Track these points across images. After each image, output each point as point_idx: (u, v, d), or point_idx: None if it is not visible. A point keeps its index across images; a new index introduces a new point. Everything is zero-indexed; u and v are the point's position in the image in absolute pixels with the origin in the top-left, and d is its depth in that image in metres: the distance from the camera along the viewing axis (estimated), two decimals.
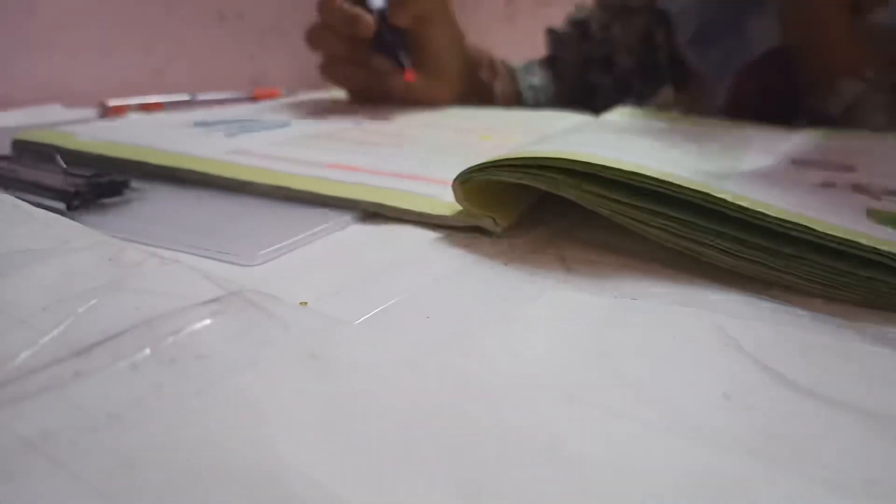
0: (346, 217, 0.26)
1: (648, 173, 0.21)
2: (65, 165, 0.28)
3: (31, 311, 0.15)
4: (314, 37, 0.50)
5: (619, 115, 0.43)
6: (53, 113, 0.48)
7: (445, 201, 0.26)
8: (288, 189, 0.27)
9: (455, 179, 0.24)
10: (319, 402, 0.13)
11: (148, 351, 0.14)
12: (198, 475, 0.11)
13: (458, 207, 0.25)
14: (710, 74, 0.57)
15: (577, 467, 0.12)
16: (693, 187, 0.21)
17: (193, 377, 0.13)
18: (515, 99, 0.64)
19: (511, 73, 0.64)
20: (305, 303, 0.19)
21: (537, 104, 0.64)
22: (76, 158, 0.30)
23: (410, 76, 0.48)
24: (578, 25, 0.65)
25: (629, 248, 0.23)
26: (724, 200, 0.20)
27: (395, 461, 0.12)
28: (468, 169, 0.23)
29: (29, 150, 0.32)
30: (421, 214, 0.25)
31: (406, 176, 0.29)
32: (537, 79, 0.65)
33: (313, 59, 0.51)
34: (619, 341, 0.17)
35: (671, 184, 0.21)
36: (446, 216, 0.25)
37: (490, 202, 0.24)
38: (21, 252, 0.18)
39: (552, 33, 0.67)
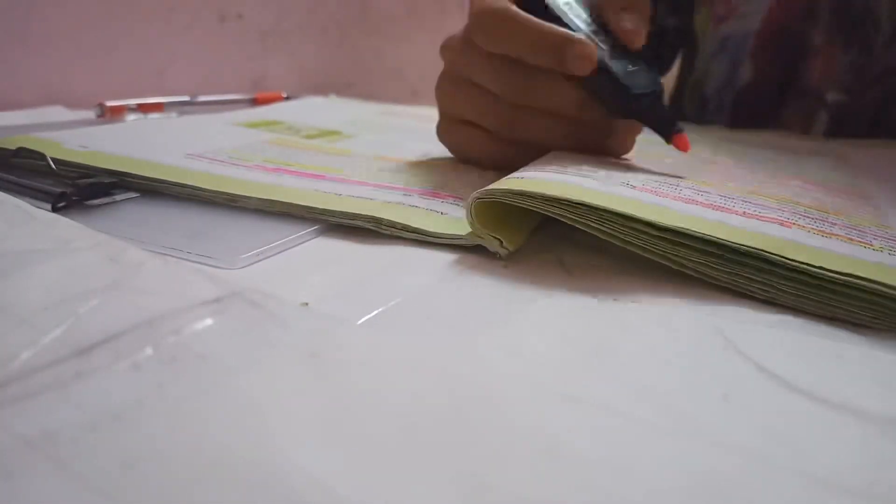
0: (328, 224, 0.25)
1: (650, 218, 0.21)
2: (54, 166, 0.28)
3: (32, 310, 0.15)
4: (499, 78, 0.31)
5: None
6: (55, 114, 0.48)
7: (448, 218, 0.25)
8: (281, 203, 0.26)
9: (469, 200, 0.23)
10: (320, 402, 0.13)
11: (149, 351, 0.14)
12: (199, 474, 0.11)
13: (454, 225, 0.24)
14: None
15: (576, 467, 0.12)
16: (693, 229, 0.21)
17: (194, 377, 0.13)
18: None
19: None
20: (307, 303, 0.19)
21: None
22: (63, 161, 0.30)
23: (685, 142, 0.29)
24: None
25: (629, 253, 0.23)
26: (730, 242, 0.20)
27: (395, 460, 0.12)
28: (482, 191, 0.23)
29: (20, 152, 0.31)
30: (420, 232, 0.24)
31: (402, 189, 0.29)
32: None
33: (314, 61, 0.50)
34: (619, 343, 0.17)
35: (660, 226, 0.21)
36: (446, 235, 0.24)
37: (496, 221, 0.23)
38: (22, 252, 0.18)
39: None
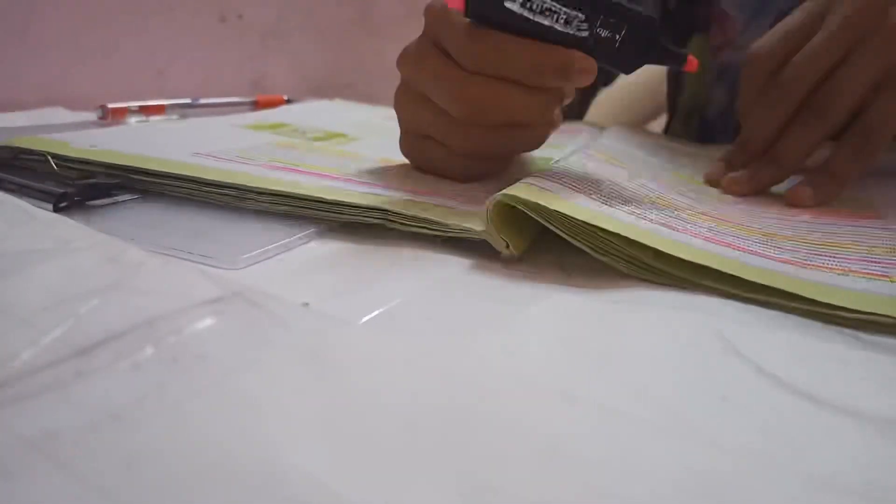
0: (329, 224, 0.26)
1: (671, 251, 0.21)
2: (56, 167, 0.28)
3: (32, 311, 0.15)
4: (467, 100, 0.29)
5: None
6: (55, 115, 0.48)
7: (458, 212, 0.25)
8: (290, 196, 0.26)
9: (493, 199, 0.23)
10: (320, 402, 0.13)
11: (150, 351, 0.14)
12: (199, 474, 0.11)
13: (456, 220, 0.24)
14: (744, 16, 0.49)
15: (576, 467, 0.12)
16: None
17: (195, 377, 0.13)
18: None
19: None
20: (307, 303, 0.19)
21: None
22: (70, 161, 0.30)
23: (694, 62, 0.29)
24: None
25: None
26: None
27: (395, 460, 0.12)
28: (505, 195, 0.22)
29: (23, 154, 0.31)
30: (429, 222, 0.24)
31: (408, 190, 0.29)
32: None
33: (314, 62, 0.50)
34: (618, 344, 0.17)
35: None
36: (454, 226, 0.24)
37: (507, 224, 0.23)
38: (23, 252, 0.18)
39: None
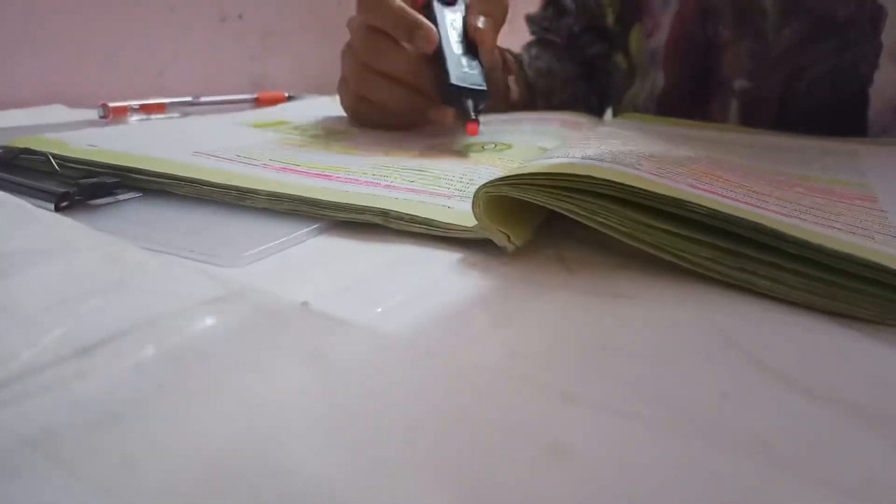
0: (330, 222, 0.26)
1: (659, 190, 0.21)
2: (57, 167, 0.28)
3: (33, 310, 0.15)
4: (363, 43, 0.41)
5: (620, 124, 0.42)
6: (56, 113, 0.48)
7: (457, 212, 0.25)
8: (290, 197, 0.26)
9: (477, 192, 0.23)
10: (321, 401, 0.13)
11: (150, 350, 0.14)
12: (200, 474, 0.11)
13: (460, 219, 0.24)
14: (658, 6, 0.55)
15: (576, 466, 0.12)
16: (705, 203, 0.20)
17: (196, 376, 0.13)
18: (528, 94, 0.58)
19: (519, 63, 0.59)
20: (307, 302, 0.19)
21: (550, 91, 0.59)
22: (71, 160, 0.30)
23: (475, 129, 0.38)
24: (552, 3, 0.63)
25: (629, 248, 0.23)
26: (737, 217, 0.20)
27: (395, 460, 0.12)
28: (486, 183, 0.22)
29: (24, 153, 0.31)
30: (429, 223, 0.24)
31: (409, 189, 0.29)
32: (543, 62, 0.61)
33: (314, 61, 0.51)
34: (619, 340, 0.17)
35: (681, 201, 0.21)
36: (455, 226, 0.24)
37: (503, 216, 0.23)
38: (24, 252, 0.18)
39: (530, 19, 0.65)
